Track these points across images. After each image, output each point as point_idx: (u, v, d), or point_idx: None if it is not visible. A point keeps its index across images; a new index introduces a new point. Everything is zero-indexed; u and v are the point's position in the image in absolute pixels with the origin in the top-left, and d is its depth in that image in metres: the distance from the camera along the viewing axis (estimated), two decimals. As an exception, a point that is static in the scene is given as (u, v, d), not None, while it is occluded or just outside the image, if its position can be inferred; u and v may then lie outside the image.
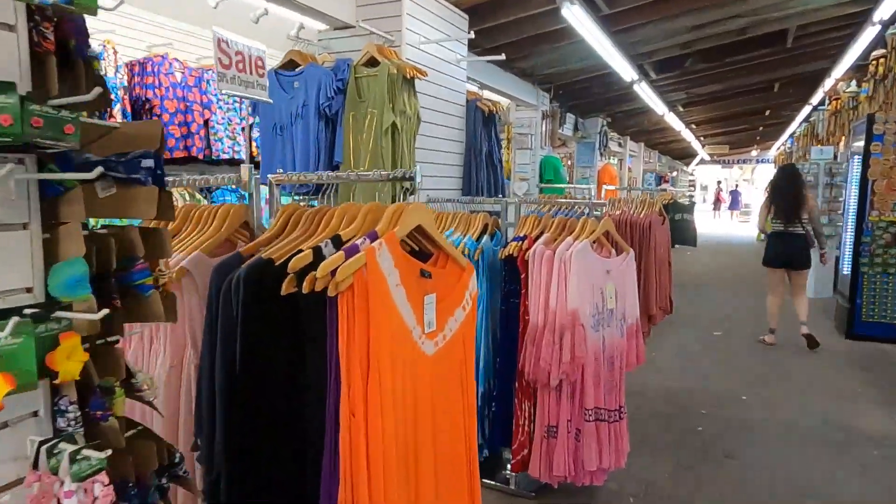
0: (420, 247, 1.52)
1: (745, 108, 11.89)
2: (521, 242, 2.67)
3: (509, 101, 6.86)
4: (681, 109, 10.54)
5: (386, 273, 1.27)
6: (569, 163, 10.54)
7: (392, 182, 3.26)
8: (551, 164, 6.93)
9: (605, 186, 4.05)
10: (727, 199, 28.48)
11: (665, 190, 9.95)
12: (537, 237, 2.74)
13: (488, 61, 5.14)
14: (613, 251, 2.76)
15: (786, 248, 5.38)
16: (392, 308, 1.29)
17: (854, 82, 7.90)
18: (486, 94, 6.44)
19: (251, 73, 1.58)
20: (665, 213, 9.07)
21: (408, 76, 3.21)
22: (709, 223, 22.06)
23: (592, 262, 2.58)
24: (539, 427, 2.65)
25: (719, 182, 30.70)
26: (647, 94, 7.88)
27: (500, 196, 4.28)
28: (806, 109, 11.15)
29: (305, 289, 1.22)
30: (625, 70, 6.34)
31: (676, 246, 9.83)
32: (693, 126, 13.97)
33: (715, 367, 4.94)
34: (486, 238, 2.83)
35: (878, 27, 5.66)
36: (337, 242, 1.33)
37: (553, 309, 2.53)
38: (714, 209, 28.34)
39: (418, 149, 3.65)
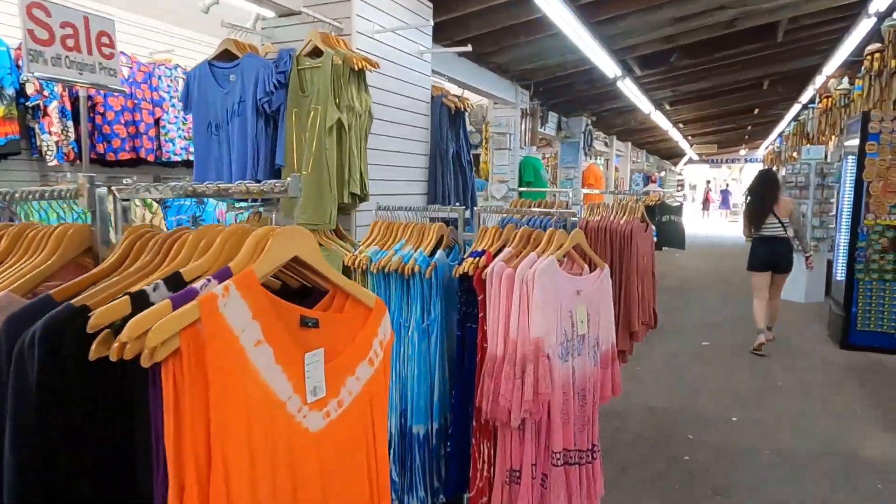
0: (313, 284, 1.15)
1: (734, 107, 11.60)
2: (477, 258, 2.31)
3: (482, 100, 6.52)
4: (667, 108, 10.22)
5: (237, 328, 0.91)
6: (555, 163, 10.21)
7: (339, 187, 2.89)
8: (531, 166, 6.57)
9: (582, 191, 3.74)
10: (716, 199, 28.35)
11: (648, 192, 9.63)
12: (498, 252, 2.39)
13: (457, 53, 4.80)
14: (586, 267, 2.40)
15: (770, 253, 5.40)
16: (249, 376, 0.93)
17: (846, 79, 7.61)
18: (467, 94, 6.08)
19: (90, 51, 1.20)
20: (651, 215, 8.75)
21: (356, 67, 2.84)
22: (698, 224, 21.83)
23: (560, 282, 2.22)
24: (500, 471, 2.29)
25: (708, 182, 30.53)
26: (631, 91, 7.56)
27: (461, 204, 3.91)
28: (795, 108, 10.89)
29: (113, 356, 0.85)
30: (607, 66, 6.00)
31: (664, 249, 9.54)
32: (681, 125, 13.68)
33: (703, 382, 4.61)
34: (440, 252, 2.47)
35: (874, 20, 5.35)
36: (174, 283, 0.96)
37: (513, 337, 2.17)
38: (703, 209, 28.17)
39: (374, 150, 3.28)
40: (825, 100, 8.49)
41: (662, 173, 22.12)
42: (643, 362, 5.05)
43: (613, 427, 3.74)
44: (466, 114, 3.98)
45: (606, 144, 12.53)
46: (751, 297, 5.64)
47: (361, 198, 3.03)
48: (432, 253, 2.46)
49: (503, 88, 6.26)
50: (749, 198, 5.62)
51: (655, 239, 9.01)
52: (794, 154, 11.68)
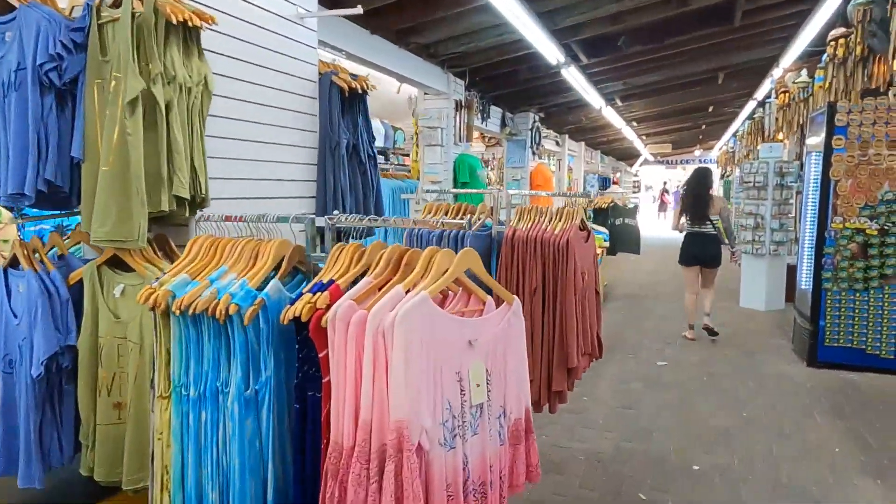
0: None
1: (688, 103, 11.15)
2: (318, 294, 1.54)
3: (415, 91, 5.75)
4: (619, 104, 9.65)
5: None
6: (503, 161, 9.51)
7: (154, 189, 2.07)
8: (467, 164, 5.84)
9: (511, 192, 3.14)
10: (671, 201, 28.35)
11: (596, 196, 9.01)
12: (353, 283, 1.62)
13: (369, 31, 4.02)
14: (490, 300, 1.65)
15: (700, 248, 5.69)
16: None
17: (804, 72, 7.13)
18: (413, 84, 5.29)
19: None
20: (604, 218, 8.00)
21: (175, 21, 2.02)
22: (654, 226, 21.49)
23: (440, 329, 1.46)
24: None
25: (665, 183, 30.51)
26: (579, 83, 6.91)
27: (361, 210, 3.14)
28: (751, 105, 10.48)
29: None
30: (549, 51, 5.32)
31: (618, 254, 8.93)
32: (634, 123, 13.20)
33: (659, 416, 3.93)
34: (274, 283, 1.68)
35: (839, 1, 4.79)
36: None
37: (366, 419, 1.41)
38: (660, 211, 28.09)
39: (225, 139, 2.48)
40: (782, 95, 8.03)
41: (618, 174, 21.80)
42: (590, 390, 4.36)
43: (551, 484, 3.02)
44: (367, 96, 3.21)
45: (558, 143, 11.94)
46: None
47: (197, 204, 2.22)
48: (263, 284, 1.68)
49: (433, 76, 5.51)
50: (685, 193, 5.88)
51: (608, 244, 8.38)
52: (748, 154, 11.30)
